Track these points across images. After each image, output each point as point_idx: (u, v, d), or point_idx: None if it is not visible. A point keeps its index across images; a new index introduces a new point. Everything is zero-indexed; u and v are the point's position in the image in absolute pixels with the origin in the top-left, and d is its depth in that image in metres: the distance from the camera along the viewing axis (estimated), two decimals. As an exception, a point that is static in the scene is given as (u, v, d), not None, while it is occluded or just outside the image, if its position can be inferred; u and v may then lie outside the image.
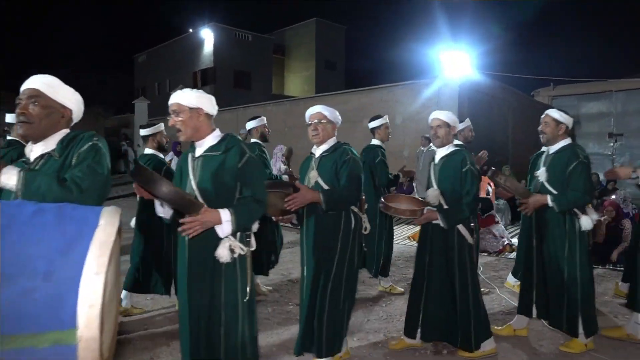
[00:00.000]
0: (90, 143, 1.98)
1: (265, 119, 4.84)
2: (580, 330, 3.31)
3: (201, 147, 2.40)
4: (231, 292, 2.31)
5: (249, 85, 28.51)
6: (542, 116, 3.49)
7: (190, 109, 2.36)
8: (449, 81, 10.64)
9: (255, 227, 2.38)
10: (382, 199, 3.31)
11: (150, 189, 2.06)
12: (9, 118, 3.89)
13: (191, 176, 2.35)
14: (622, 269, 5.66)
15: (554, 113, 3.44)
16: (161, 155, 4.26)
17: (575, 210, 3.29)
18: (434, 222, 3.25)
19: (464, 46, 12.24)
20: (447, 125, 3.27)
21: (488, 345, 3.28)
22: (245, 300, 2.33)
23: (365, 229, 3.14)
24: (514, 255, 6.70)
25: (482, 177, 10.28)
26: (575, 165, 3.26)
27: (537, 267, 3.51)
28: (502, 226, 7.34)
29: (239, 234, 2.31)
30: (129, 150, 18.71)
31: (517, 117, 13.56)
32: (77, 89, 2.15)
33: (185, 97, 2.38)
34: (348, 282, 3.01)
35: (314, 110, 3.14)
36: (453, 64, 11.01)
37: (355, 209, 3.06)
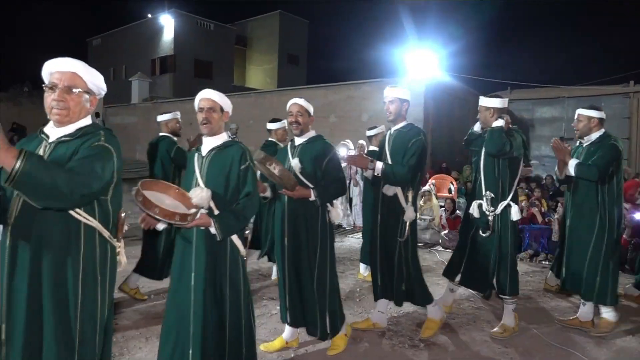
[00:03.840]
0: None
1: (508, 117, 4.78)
2: (328, 330, 3.23)
3: None
4: None
5: (209, 75, 27.90)
6: (291, 105, 3.27)
7: None
8: (416, 80, 10.84)
9: None
10: (139, 186, 2.18)
11: None
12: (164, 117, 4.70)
13: None
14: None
15: (303, 102, 3.26)
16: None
17: (327, 203, 3.26)
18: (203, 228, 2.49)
19: (430, 46, 12.49)
20: (221, 109, 2.63)
21: None
22: None
23: (120, 263, 2.04)
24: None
25: (447, 175, 10.55)
26: (331, 157, 3.20)
27: (288, 266, 3.21)
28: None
29: None
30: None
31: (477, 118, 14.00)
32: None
33: None
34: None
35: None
36: (419, 64, 11.23)
37: (107, 235, 1.94)
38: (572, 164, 3.74)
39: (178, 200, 2.43)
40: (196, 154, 2.68)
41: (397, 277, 3.53)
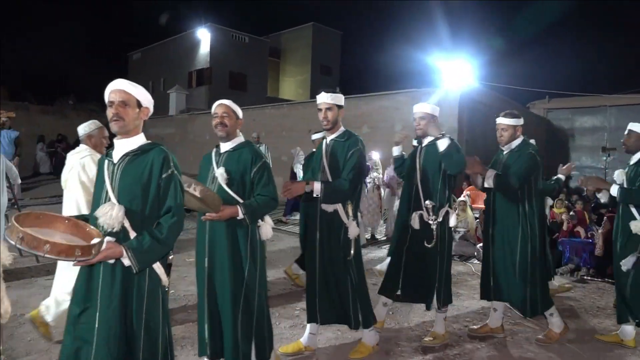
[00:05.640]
0: None
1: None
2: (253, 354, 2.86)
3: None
4: None
5: (244, 87, 28.41)
6: (217, 107, 2.96)
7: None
8: (449, 91, 10.71)
9: None
10: (12, 221, 1.76)
11: None
12: None
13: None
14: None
15: (229, 103, 2.95)
16: None
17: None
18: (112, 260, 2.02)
19: (463, 56, 12.35)
20: (138, 104, 2.21)
21: None
22: None
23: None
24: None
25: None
26: (260, 166, 2.81)
27: (209, 292, 2.83)
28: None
29: None
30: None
31: (513, 129, 13.69)
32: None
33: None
34: None
35: None
36: (453, 73, 11.09)
37: None
38: (491, 175, 3.64)
39: (71, 234, 1.94)
40: (106, 161, 2.18)
41: (342, 299, 3.27)
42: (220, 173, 2.79)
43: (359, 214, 3.33)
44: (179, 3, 50.27)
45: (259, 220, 2.85)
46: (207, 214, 2.66)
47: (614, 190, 3.67)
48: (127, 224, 2.01)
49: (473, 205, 8.31)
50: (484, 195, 9.25)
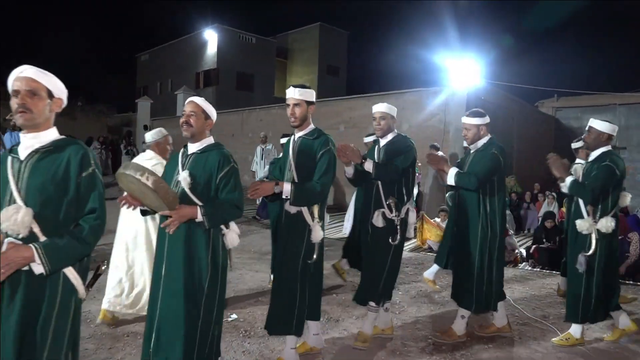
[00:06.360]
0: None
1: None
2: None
3: None
4: None
5: (251, 87, 28.51)
6: (186, 105, 2.76)
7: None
8: (456, 90, 10.66)
9: None
10: None
11: None
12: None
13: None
14: (630, 282, 5.69)
15: (200, 101, 2.75)
16: None
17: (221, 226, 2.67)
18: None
19: (471, 54, 12.27)
20: (50, 94, 1.98)
21: None
22: None
23: None
24: (523, 265, 6.72)
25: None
26: (227, 171, 2.56)
27: (162, 303, 2.54)
28: (514, 237, 7.41)
29: None
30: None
31: (522, 127, 13.61)
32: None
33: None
34: None
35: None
36: (460, 72, 11.03)
37: None
38: (452, 173, 3.63)
39: None
40: (10, 157, 1.91)
41: (300, 305, 3.10)
42: (183, 177, 2.52)
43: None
44: (186, 4, 50.56)
45: (224, 227, 2.59)
46: (165, 218, 2.42)
47: (567, 181, 3.63)
48: (36, 229, 1.78)
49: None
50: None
